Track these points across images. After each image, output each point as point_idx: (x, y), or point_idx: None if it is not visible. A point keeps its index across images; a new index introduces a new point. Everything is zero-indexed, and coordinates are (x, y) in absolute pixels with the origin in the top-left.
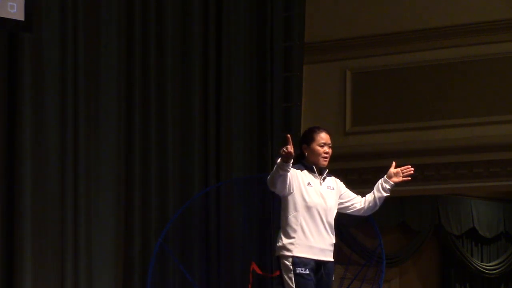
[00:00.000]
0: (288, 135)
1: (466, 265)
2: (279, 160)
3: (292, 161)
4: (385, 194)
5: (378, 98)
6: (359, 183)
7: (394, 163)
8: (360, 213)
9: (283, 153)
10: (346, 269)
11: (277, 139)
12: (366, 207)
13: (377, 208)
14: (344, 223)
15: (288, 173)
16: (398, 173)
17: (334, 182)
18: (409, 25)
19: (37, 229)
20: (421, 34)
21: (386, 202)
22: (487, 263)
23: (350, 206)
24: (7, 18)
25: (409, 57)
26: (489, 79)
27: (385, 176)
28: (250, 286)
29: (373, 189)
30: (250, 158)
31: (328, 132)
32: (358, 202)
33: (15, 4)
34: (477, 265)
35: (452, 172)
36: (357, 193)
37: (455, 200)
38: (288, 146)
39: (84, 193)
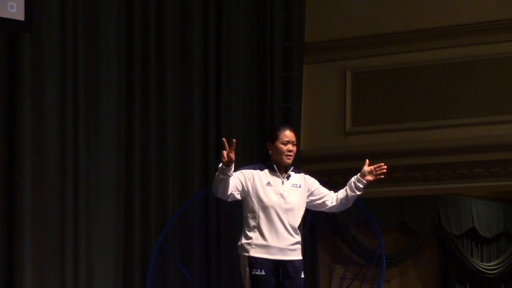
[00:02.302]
0: (224, 139)
1: (466, 265)
2: (220, 165)
3: (233, 165)
4: (358, 193)
5: (378, 98)
6: None
7: (367, 161)
8: (332, 210)
9: (223, 159)
10: (346, 269)
11: None
12: (337, 204)
13: (349, 205)
14: (344, 223)
15: (231, 178)
16: (371, 171)
17: (302, 179)
18: (408, 25)
19: (37, 229)
20: (421, 34)
21: (386, 202)
22: (487, 263)
23: (321, 203)
24: (7, 18)
25: (409, 57)
26: (489, 79)
27: (359, 174)
28: None
29: (346, 187)
30: (250, 158)
31: (293, 130)
32: (330, 199)
33: (15, 4)
34: (477, 265)
35: (452, 172)
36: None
37: (455, 200)
38: (224, 151)
39: (84, 193)
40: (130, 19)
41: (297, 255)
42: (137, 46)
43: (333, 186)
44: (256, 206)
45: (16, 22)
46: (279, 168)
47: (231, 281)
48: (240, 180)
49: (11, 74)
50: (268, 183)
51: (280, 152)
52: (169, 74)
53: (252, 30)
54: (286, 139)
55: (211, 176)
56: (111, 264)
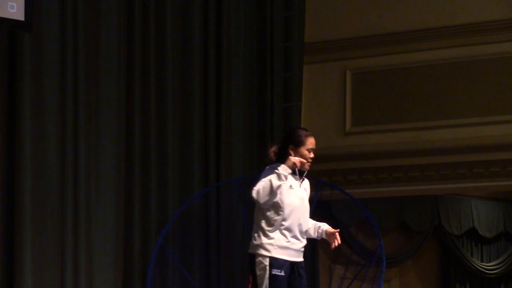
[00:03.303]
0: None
1: (466, 265)
2: (286, 171)
3: None
4: (314, 237)
5: (378, 98)
6: (359, 183)
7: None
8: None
9: (297, 166)
10: (346, 269)
11: (277, 139)
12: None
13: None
14: (344, 223)
15: None
16: (333, 236)
17: (308, 184)
18: (409, 25)
19: (37, 229)
20: (421, 34)
21: (386, 202)
22: (487, 263)
23: None
24: (7, 18)
25: (409, 57)
26: (489, 79)
27: (326, 231)
28: (250, 286)
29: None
30: (250, 158)
31: (315, 137)
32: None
33: (15, 4)
34: (477, 265)
35: (452, 172)
36: (357, 193)
37: (455, 200)
38: (300, 158)
39: (84, 193)
40: (130, 19)
41: (302, 257)
42: (137, 46)
43: (333, 186)
44: (281, 208)
45: (16, 22)
46: (298, 172)
47: (231, 281)
48: None
49: (11, 74)
50: (291, 186)
51: (304, 158)
52: (169, 73)
53: (252, 30)
54: (311, 146)
55: (211, 176)
56: (111, 264)
